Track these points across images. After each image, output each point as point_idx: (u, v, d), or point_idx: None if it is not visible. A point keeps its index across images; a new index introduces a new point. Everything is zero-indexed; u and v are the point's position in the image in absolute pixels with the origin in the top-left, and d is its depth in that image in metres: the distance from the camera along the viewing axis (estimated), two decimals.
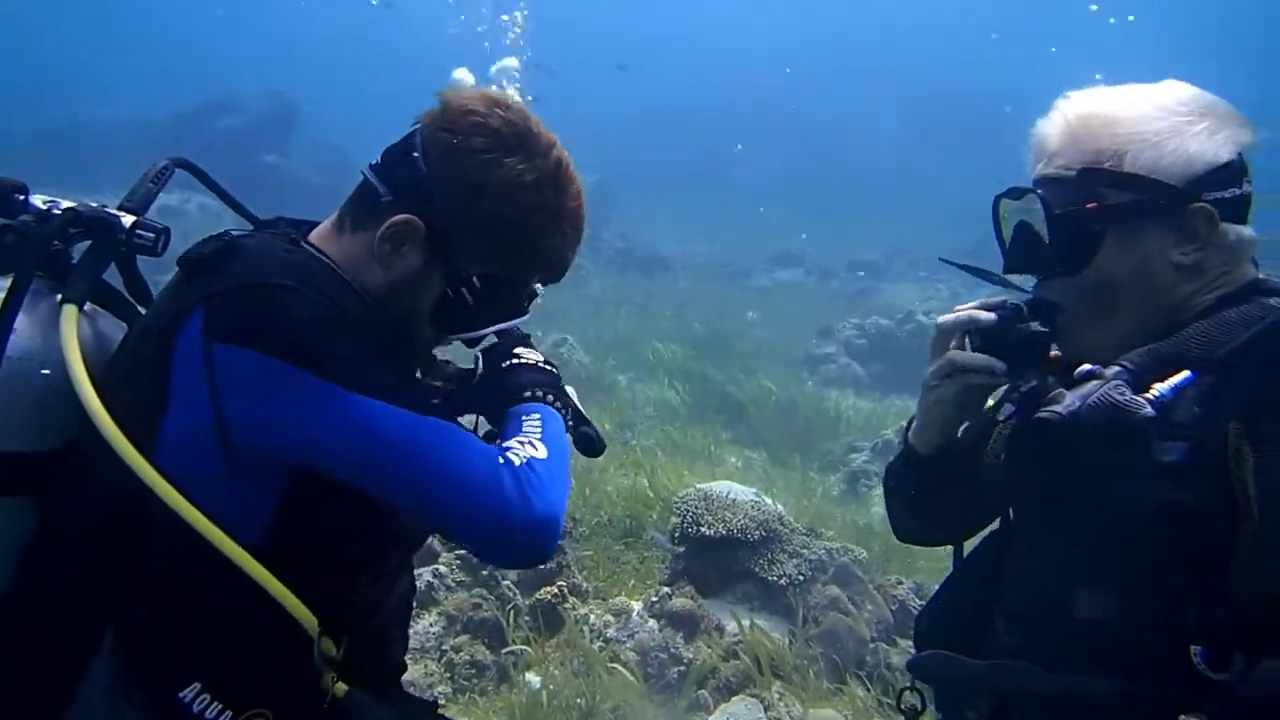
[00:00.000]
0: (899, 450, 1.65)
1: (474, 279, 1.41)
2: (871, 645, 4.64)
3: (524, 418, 1.43)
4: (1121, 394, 1.24)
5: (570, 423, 1.54)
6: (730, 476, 7.50)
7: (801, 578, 4.89)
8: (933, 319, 11.14)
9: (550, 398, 1.51)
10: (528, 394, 1.49)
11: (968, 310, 1.46)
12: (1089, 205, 1.35)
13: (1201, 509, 1.22)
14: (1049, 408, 1.27)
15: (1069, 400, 1.27)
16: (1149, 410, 1.22)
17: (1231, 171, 1.35)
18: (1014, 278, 1.51)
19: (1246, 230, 1.38)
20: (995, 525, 1.64)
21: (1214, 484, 1.21)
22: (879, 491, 7.65)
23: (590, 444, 1.58)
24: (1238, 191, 1.35)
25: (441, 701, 4.50)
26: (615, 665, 4.39)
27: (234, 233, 1.39)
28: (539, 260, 1.47)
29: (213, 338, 1.24)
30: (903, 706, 1.61)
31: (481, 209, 1.38)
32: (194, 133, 16.96)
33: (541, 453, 1.34)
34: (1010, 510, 1.58)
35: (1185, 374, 1.26)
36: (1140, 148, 1.34)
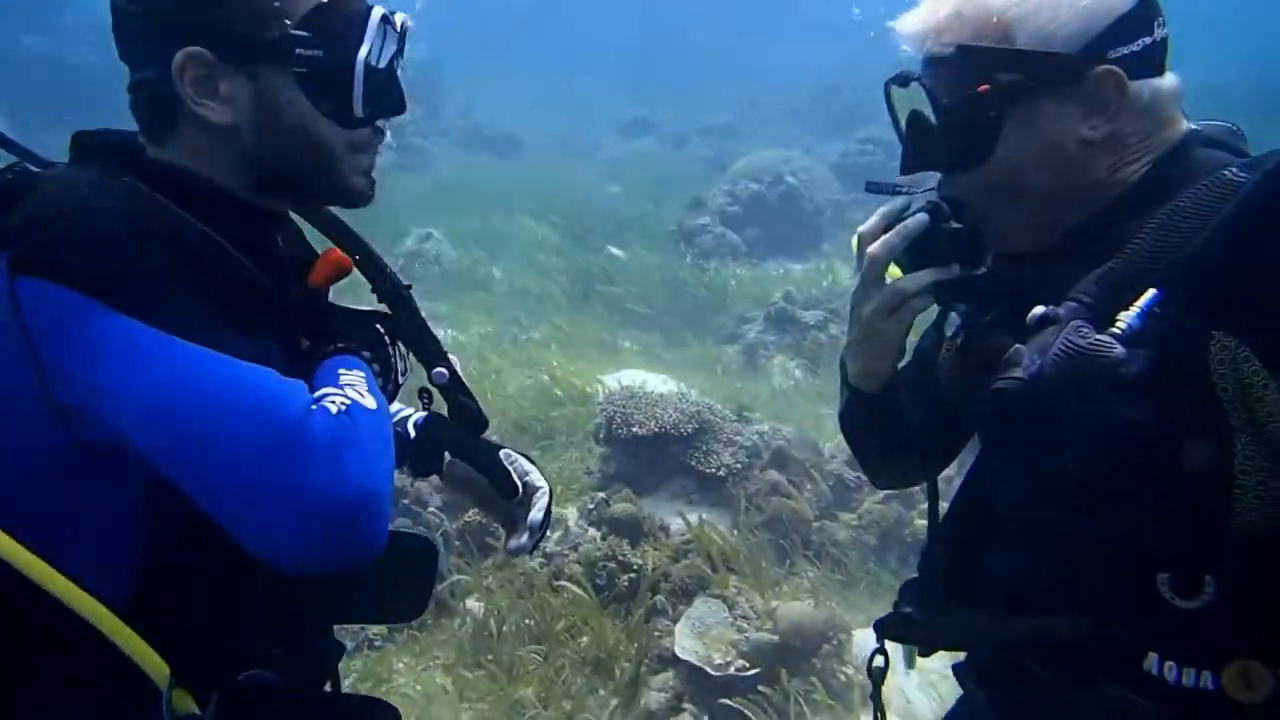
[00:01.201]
0: (844, 395, 1.47)
1: (293, 34, 1.16)
2: (816, 524, 4.61)
3: (340, 371, 1.16)
4: (1084, 336, 1.08)
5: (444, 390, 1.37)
6: (630, 363, 7.32)
7: (739, 466, 4.77)
8: (801, 179, 11.28)
9: (367, 354, 1.24)
10: (339, 344, 1.21)
11: (895, 231, 1.28)
12: (980, 89, 1.19)
13: (1166, 422, 1.08)
14: (1007, 374, 1.13)
15: (1027, 359, 1.11)
16: (1120, 350, 1.06)
17: (1137, 18, 1.18)
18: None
19: (1165, 82, 1.21)
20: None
21: (1185, 397, 1.08)
22: (778, 361, 7.72)
23: (474, 419, 1.42)
24: (1148, 39, 1.19)
25: (378, 643, 4.21)
26: (562, 582, 4.17)
27: (26, 167, 1.18)
28: None
29: (16, 273, 1.03)
30: (871, 668, 1.50)
31: None
32: None
33: (370, 402, 1.10)
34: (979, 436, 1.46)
35: (1150, 293, 1.09)
36: (1026, 13, 1.18)
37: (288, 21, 1.16)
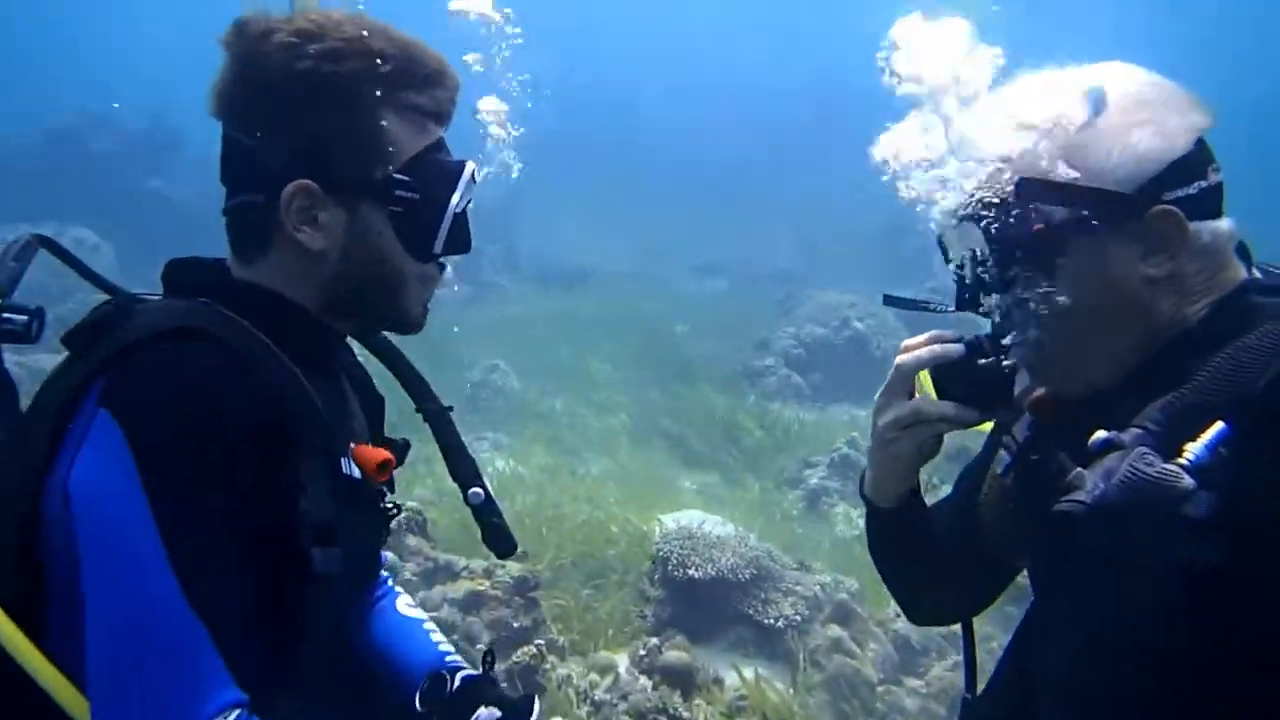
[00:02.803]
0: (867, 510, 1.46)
1: (395, 175, 1.26)
2: (880, 689, 4.35)
3: None
4: (1150, 464, 1.04)
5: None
6: (689, 504, 7.19)
7: (799, 618, 4.57)
8: (867, 325, 11.27)
9: None
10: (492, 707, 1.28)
11: (929, 348, 1.33)
12: (1036, 228, 1.19)
13: (1231, 567, 1.04)
14: (1071, 497, 1.08)
15: (1091, 483, 1.07)
16: (1188, 481, 1.02)
17: (1192, 163, 1.19)
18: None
19: (1222, 224, 1.22)
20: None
21: (1248, 540, 1.03)
22: (840, 509, 7.50)
23: (504, 539, 1.45)
24: (1204, 184, 1.20)
25: None
26: None
27: (128, 296, 1.27)
28: (420, 107, 1.29)
29: (100, 404, 1.08)
30: None
31: (330, 115, 1.22)
32: (64, 157, 15.54)
33: None
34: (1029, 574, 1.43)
35: (1219, 426, 1.05)
36: (1076, 151, 1.19)
37: (391, 165, 1.25)
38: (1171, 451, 1.05)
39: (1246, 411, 1.06)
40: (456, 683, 1.41)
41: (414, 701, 1.41)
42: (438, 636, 1.56)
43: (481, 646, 4.46)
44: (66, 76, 26.39)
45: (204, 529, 1.06)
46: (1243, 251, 1.28)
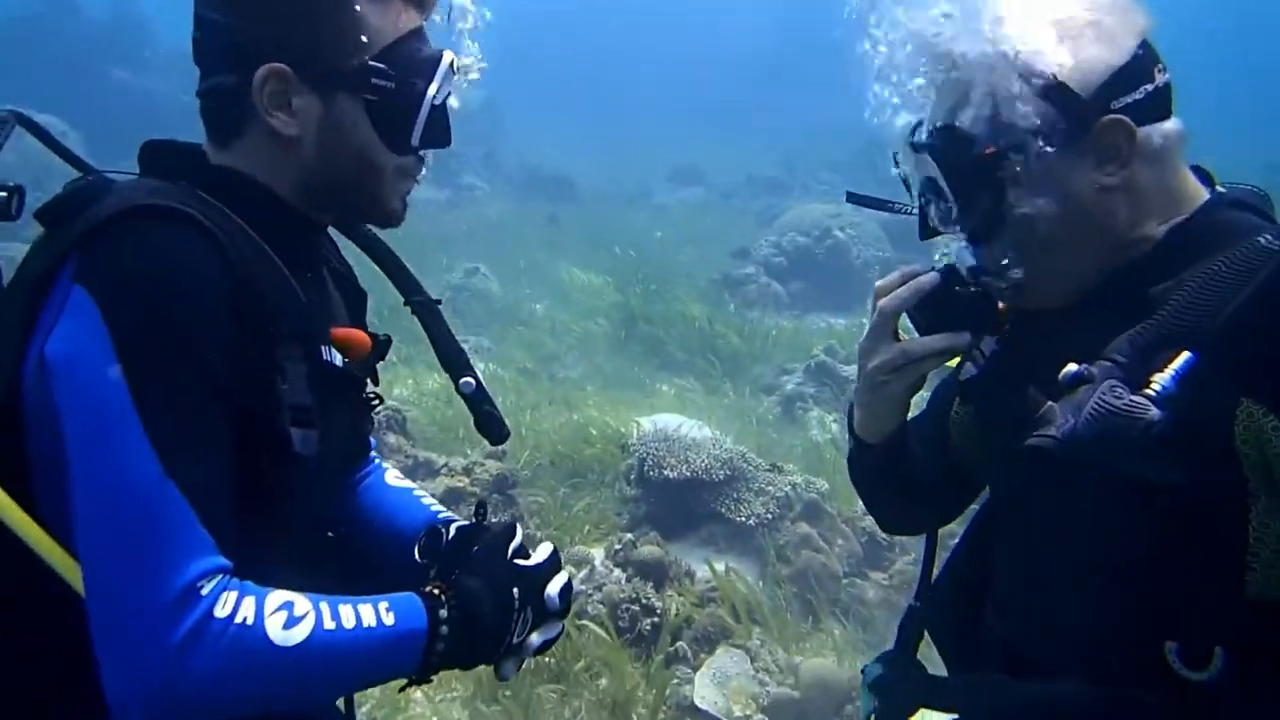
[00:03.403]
0: (850, 443, 1.47)
1: (370, 63, 1.23)
2: (845, 581, 4.53)
3: (360, 606, 1.13)
4: (1119, 397, 1.07)
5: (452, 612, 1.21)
6: (666, 407, 7.30)
7: (770, 516, 4.72)
8: (848, 234, 11.26)
9: (452, 613, 1.19)
10: (441, 587, 1.22)
11: (907, 286, 1.30)
12: (987, 150, 1.20)
13: (1189, 488, 1.07)
14: (1041, 431, 1.11)
15: (1061, 418, 1.10)
16: (1155, 412, 1.05)
17: (1135, 68, 1.19)
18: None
19: (1171, 125, 1.22)
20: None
21: (1208, 461, 1.07)
22: (815, 414, 7.64)
23: (497, 425, 1.46)
24: (1150, 87, 1.20)
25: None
26: (584, 621, 4.14)
27: (101, 175, 1.24)
28: None
29: (75, 280, 1.08)
30: None
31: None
32: (28, 46, 14.99)
33: (297, 633, 1.06)
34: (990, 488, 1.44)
35: (1185, 356, 1.08)
36: (1026, 70, 1.18)
37: (366, 53, 1.23)
38: (1139, 382, 1.08)
39: (1207, 343, 1.08)
40: (451, 533, 1.42)
41: (413, 556, 1.43)
42: (428, 500, 1.59)
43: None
44: None
45: (179, 401, 1.07)
46: (1205, 176, 1.28)
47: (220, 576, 1.05)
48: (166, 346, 1.07)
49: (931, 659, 1.54)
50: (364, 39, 1.23)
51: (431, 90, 1.27)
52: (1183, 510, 1.08)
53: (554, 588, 1.33)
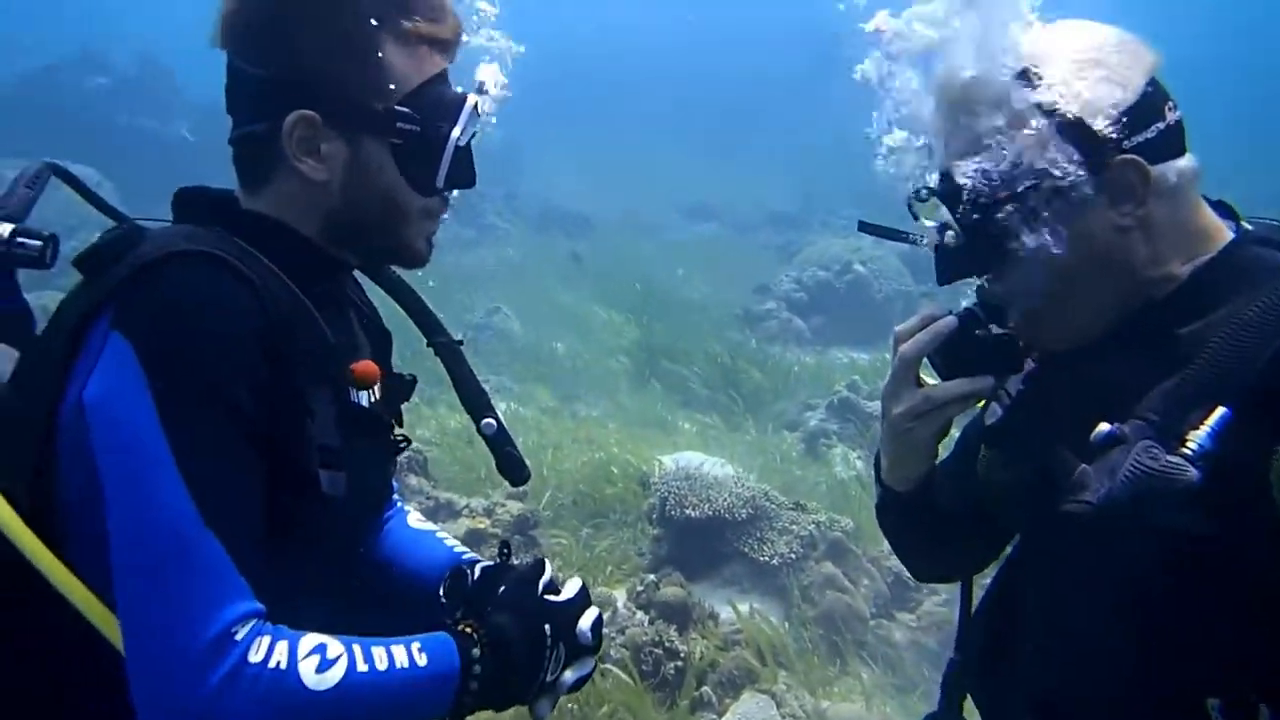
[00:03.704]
0: (877, 490, 1.45)
1: (395, 108, 1.26)
2: (872, 623, 4.45)
3: (393, 648, 1.13)
4: (1155, 458, 1.03)
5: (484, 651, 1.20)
6: (688, 445, 7.25)
7: (794, 556, 4.65)
8: (869, 269, 11.24)
9: (484, 651, 1.18)
10: (462, 627, 1.20)
11: (927, 331, 1.29)
12: (1001, 195, 1.19)
13: (1222, 538, 1.04)
14: (1077, 497, 1.08)
15: (1096, 482, 1.07)
16: (1193, 474, 1.00)
17: (1147, 106, 1.18)
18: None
19: (1185, 163, 1.21)
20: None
21: (1243, 510, 1.03)
22: (839, 450, 7.57)
23: (517, 466, 1.45)
24: (1161, 125, 1.19)
25: None
26: (607, 666, 4.07)
27: (136, 223, 1.26)
28: (422, 36, 1.28)
29: (113, 327, 1.09)
30: None
31: (328, 45, 1.22)
32: (53, 96, 15.34)
33: (330, 677, 1.06)
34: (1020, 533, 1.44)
35: (1220, 412, 1.04)
36: (1034, 116, 1.17)
37: (392, 97, 1.25)
38: (1174, 440, 1.05)
39: (1242, 397, 1.04)
40: (476, 574, 1.42)
41: (438, 598, 1.42)
42: (450, 541, 1.58)
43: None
44: (66, 14, 26.01)
45: (214, 445, 1.08)
46: (1227, 211, 1.27)
47: (254, 621, 1.06)
48: (202, 390, 1.09)
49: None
50: (391, 86, 1.25)
51: (455, 132, 1.29)
52: (1220, 560, 1.05)
53: (585, 622, 1.31)
